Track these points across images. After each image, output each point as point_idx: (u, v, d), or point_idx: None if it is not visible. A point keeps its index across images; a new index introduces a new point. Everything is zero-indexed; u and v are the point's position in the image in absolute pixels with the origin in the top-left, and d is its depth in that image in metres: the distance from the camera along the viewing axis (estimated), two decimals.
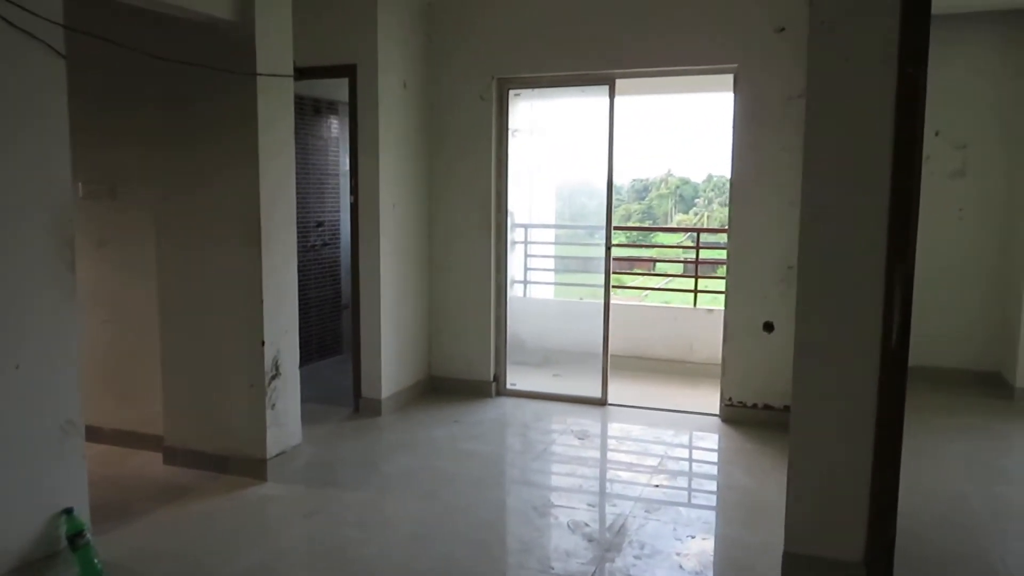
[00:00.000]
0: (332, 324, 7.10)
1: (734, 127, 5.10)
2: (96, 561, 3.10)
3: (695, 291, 6.88)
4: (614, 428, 5.18)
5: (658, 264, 16.44)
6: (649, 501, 3.88)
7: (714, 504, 3.94)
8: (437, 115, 5.73)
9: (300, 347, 4.32)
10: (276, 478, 4.13)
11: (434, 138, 5.75)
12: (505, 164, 5.71)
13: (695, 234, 8.25)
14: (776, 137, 4.96)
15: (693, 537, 3.49)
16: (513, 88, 5.64)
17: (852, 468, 2.97)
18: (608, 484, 4.14)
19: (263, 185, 3.99)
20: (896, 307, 2.85)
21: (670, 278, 14.46)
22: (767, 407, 5.13)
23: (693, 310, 6.76)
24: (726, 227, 5.40)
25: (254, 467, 4.13)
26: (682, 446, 4.82)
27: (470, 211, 5.73)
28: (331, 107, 6.84)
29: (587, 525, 3.61)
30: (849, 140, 2.91)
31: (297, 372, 4.33)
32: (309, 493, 4.03)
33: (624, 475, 4.27)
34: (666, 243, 16.98)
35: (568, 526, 3.59)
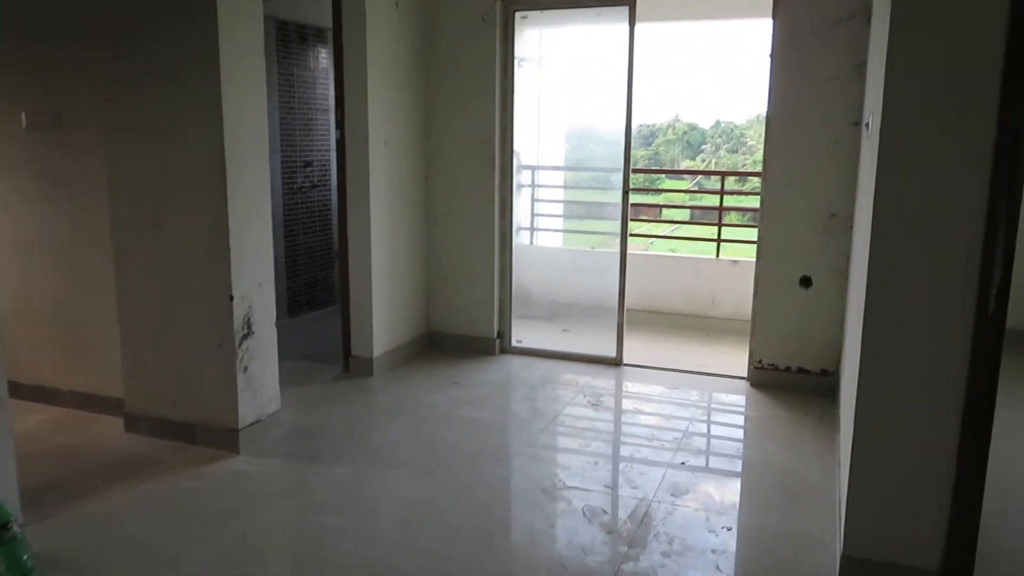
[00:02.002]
0: (323, 273, 6.55)
1: (772, 55, 4.46)
2: (26, 557, 2.62)
3: (718, 240, 6.30)
4: (631, 393, 4.67)
5: (669, 211, 15.74)
6: (675, 483, 3.38)
7: (750, 486, 3.44)
8: (434, 39, 5.08)
9: (288, 299, 3.80)
10: (250, 451, 3.64)
11: (431, 66, 5.12)
12: (511, 97, 5.08)
13: (707, 179, 7.63)
14: (822, 65, 4.32)
15: (729, 529, 2.99)
16: (520, 9, 4.98)
17: (931, 460, 2.45)
18: (627, 462, 3.64)
19: (227, 114, 3.41)
20: (997, 260, 2.28)
21: (676, 225, 13.80)
22: (802, 371, 4.61)
23: (716, 261, 6.19)
24: (758, 171, 4.80)
25: (225, 438, 3.64)
26: (708, 414, 4.32)
27: (472, 150, 5.13)
28: (319, 35, 6.18)
29: (605, 512, 3.11)
30: (945, 54, 2.30)
31: (274, 331, 3.80)
32: (286, 469, 3.54)
33: (645, 450, 3.76)
34: (675, 188, 16.28)
35: (583, 513, 3.10)
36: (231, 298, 3.51)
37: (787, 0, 4.34)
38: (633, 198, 5.22)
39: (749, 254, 6.83)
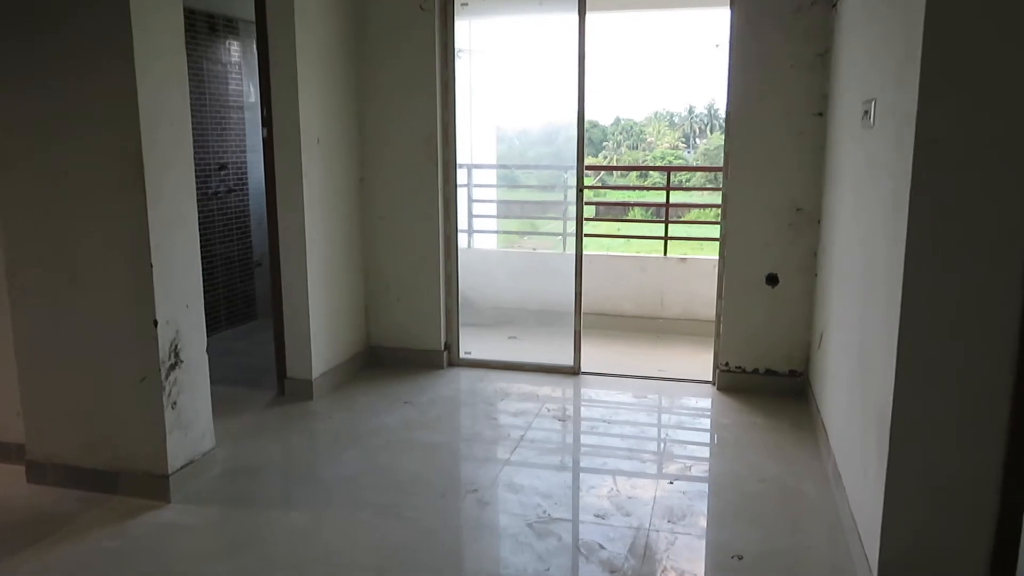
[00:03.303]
0: (243, 286, 6.01)
1: (732, 44, 4.25)
2: None
3: (665, 238, 6.09)
4: (596, 404, 4.38)
5: (616, 210, 15.52)
6: (668, 507, 3.09)
7: (748, 504, 3.18)
8: (366, 28, 4.65)
9: (206, 316, 3.31)
10: (182, 498, 3.14)
11: (363, 57, 4.68)
12: (452, 91, 4.70)
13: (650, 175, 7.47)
14: (783, 54, 4.13)
15: (741, 558, 2.72)
16: None
17: (975, 472, 2.24)
18: (610, 484, 3.33)
19: (144, 109, 2.91)
20: None
21: (620, 224, 13.66)
22: (770, 372, 4.42)
23: (663, 259, 5.98)
24: (716, 166, 4.59)
25: (152, 485, 3.13)
26: (682, 425, 4.07)
27: (411, 148, 4.72)
28: (230, 25, 5.64)
29: (602, 547, 2.79)
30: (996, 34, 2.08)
31: (205, 358, 3.31)
32: (228, 518, 3.06)
33: (627, 468, 3.47)
34: (627, 186, 16.14)
35: (580, 551, 2.77)
36: (155, 323, 3.01)
37: None
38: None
39: (698, 251, 6.71)
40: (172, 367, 3.10)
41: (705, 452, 3.73)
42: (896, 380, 2.28)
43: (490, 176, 6.59)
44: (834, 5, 3.93)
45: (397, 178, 4.77)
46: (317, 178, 4.29)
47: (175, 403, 3.12)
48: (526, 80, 5.36)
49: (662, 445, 3.73)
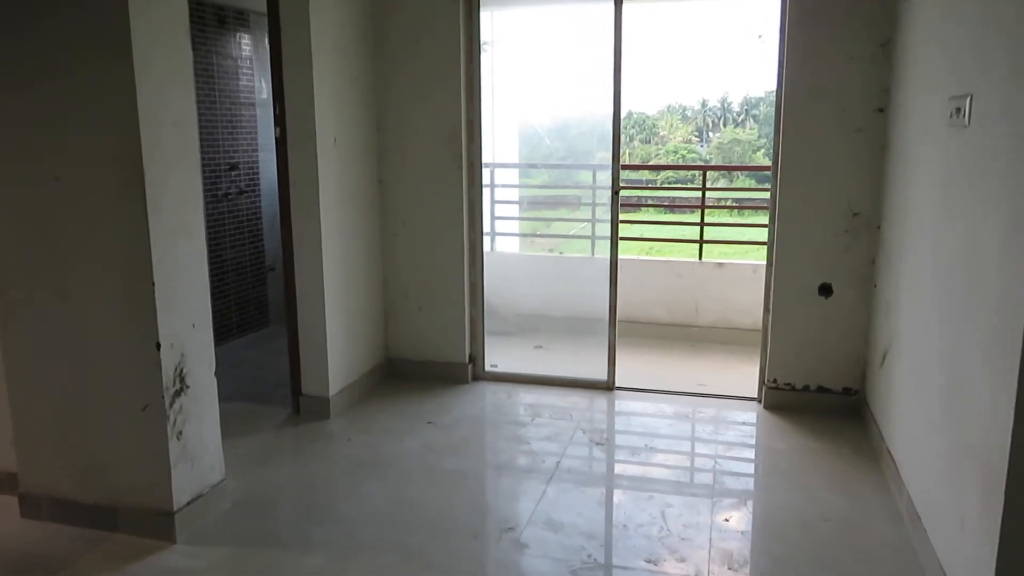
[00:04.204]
0: (255, 291, 5.72)
1: (783, 33, 3.91)
2: None
3: (700, 241, 5.75)
4: (634, 425, 4.06)
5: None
6: (726, 550, 2.77)
7: (815, 547, 2.84)
8: (386, 20, 4.33)
9: (216, 324, 3.05)
10: (188, 537, 2.85)
11: (382, 52, 4.36)
12: (477, 86, 4.38)
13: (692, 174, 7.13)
14: (841, 44, 3.79)
15: None
16: None
17: None
18: (663, 520, 3.01)
19: (144, 109, 2.60)
20: None
21: (646, 226, 13.20)
22: (822, 390, 4.09)
23: (699, 264, 5.65)
24: (760, 164, 4.25)
25: (156, 523, 2.83)
26: (731, 450, 3.74)
27: (433, 147, 4.40)
28: (240, 17, 5.34)
29: None
30: None
31: (213, 382, 3.01)
32: (237, 561, 2.76)
33: (676, 502, 3.15)
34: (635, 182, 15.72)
35: None
36: (158, 346, 2.71)
37: None
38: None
39: (736, 255, 6.39)
40: (177, 394, 2.80)
41: (760, 483, 3.39)
42: (1015, 423, 1.94)
43: (513, 175, 6.27)
44: None
45: (418, 180, 4.45)
46: (333, 180, 3.98)
47: (180, 433, 2.82)
48: (550, 74, 5.03)
49: (712, 474, 3.41)
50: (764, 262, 4.19)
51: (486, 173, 5.71)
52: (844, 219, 3.93)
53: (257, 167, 5.63)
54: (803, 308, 4.05)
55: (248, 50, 5.45)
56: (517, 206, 6.53)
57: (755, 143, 29.36)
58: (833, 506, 3.10)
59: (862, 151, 3.85)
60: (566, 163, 6.01)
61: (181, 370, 2.82)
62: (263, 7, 3.81)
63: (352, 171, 4.18)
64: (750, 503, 3.17)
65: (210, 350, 2.99)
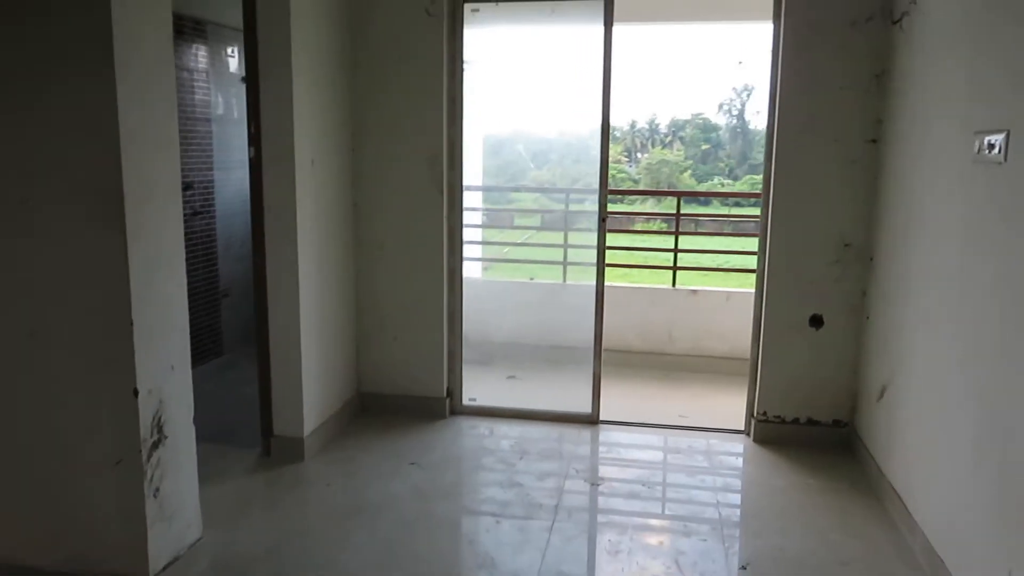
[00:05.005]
0: (209, 319, 5.36)
1: (776, 61, 3.86)
2: None
3: (674, 268, 5.68)
4: (628, 463, 3.91)
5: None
6: None
7: None
8: (364, 34, 4.11)
9: None
10: None
11: (360, 67, 4.14)
12: (460, 106, 4.20)
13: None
14: (835, 73, 3.76)
15: None
16: (470, 1, 4.12)
17: None
18: (678, 570, 2.85)
19: (125, 125, 2.33)
20: None
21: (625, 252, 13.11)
22: (811, 422, 4.03)
23: (672, 291, 5.57)
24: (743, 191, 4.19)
25: None
26: (730, 487, 3.63)
27: (412, 169, 4.19)
28: (197, 28, 5.02)
29: None
30: None
31: (191, 429, 2.73)
32: None
33: (687, 548, 3.00)
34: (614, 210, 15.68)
35: None
36: (135, 392, 2.42)
37: None
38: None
39: (709, 283, 6.34)
40: (155, 445, 2.51)
41: (768, 524, 3.27)
42: None
43: (480, 198, 6.09)
44: (895, 22, 3.56)
45: (396, 203, 4.23)
46: (311, 203, 3.73)
47: (158, 490, 2.53)
48: (531, 95, 4.90)
49: (718, 516, 3.28)
50: (739, 289, 4.13)
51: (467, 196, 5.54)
52: (835, 250, 3.89)
53: (212, 187, 5.29)
54: (794, 339, 3.99)
55: (204, 63, 5.13)
56: (480, 230, 6.35)
57: (682, 164, 30.07)
58: (846, 549, 3.01)
59: (854, 182, 3.82)
60: (548, 187, 5.88)
61: (159, 418, 2.53)
62: (222, 18, 3.55)
63: (328, 193, 3.93)
64: (763, 547, 3.05)
65: (189, 394, 2.71)
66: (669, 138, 31.57)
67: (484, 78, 4.62)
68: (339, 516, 3.21)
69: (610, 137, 4.09)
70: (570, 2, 4.18)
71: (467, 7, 4.11)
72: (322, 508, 3.30)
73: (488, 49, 4.60)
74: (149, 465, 2.49)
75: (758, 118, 32.69)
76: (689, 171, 30.03)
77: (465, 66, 4.22)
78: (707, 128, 32.07)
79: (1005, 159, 2.36)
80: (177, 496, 2.64)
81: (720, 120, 32.71)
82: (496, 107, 4.90)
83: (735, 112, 32.70)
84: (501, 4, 4.18)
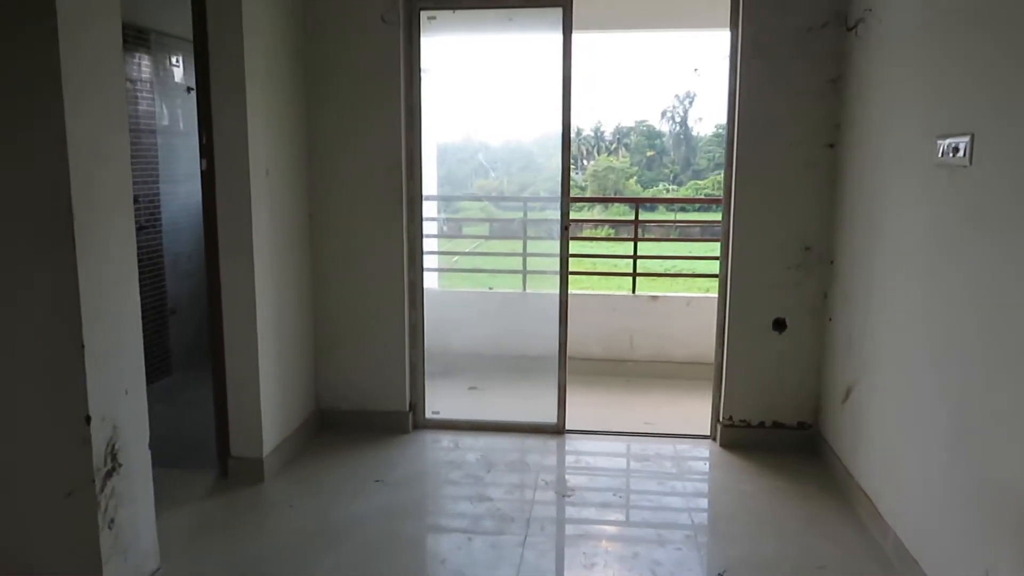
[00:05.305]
0: (156, 337, 5.16)
1: (734, 68, 3.89)
2: None
3: (633, 274, 5.68)
4: (597, 472, 3.87)
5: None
6: None
7: None
8: (319, 41, 4.01)
9: None
10: None
11: (314, 75, 4.04)
12: (418, 114, 4.13)
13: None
14: (791, 79, 3.79)
15: None
16: (427, 8, 4.05)
17: None
18: None
19: (73, 135, 2.20)
20: None
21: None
22: (776, 425, 4.05)
23: (632, 297, 5.56)
24: (704, 197, 4.21)
25: None
26: (701, 493, 3.62)
27: (370, 179, 4.10)
28: (140, 37, 4.85)
29: None
30: None
31: (148, 455, 2.60)
32: None
33: (664, 558, 2.96)
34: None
35: None
36: (87, 419, 2.28)
37: (752, 6, 3.78)
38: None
39: (670, 288, 6.36)
40: (109, 474, 2.37)
41: (741, 530, 3.25)
42: None
43: (429, 207, 6.01)
44: (850, 28, 3.61)
45: (353, 214, 4.13)
46: (266, 215, 3.61)
47: (113, 521, 2.39)
48: (486, 103, 4.85)
49: (691, 524, 3.26)
50: (699, 294, 4.14)
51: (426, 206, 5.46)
52: (797, 253, 3.92)
53: (158, 200, 5.11)
54: (758, 343, 4.00)
55: (148, 72, 4.96)
56: (436, 240, 6.27)
57: (628, 171, 30.45)
58: (821, 552, 3.01)
59: (813, 186, 3.86)
60: (509, 196, 5.83)
61: (113, 446, 2.39)
62: (166, 26, 3.42)
63: (284, 205, 3.81)
64: (738, 554, 3.03)
65: (144, 419, 2.57)
66: (614, 145, 31.96)
67: (442, 86, 4.55)
68: (304, 539, 3.09)
69: (551, 142, 4.06)
70: (528, 9, 4.14)
71: (424, 14, 4.05)
72: (285, 531, 3.17)
73: (446, 57, 4.53)
74: (103, 495, 2.35)
75: (700, 124, 33.29)
76: (635, 178, 30.42)
77: (423, 74, 4.15)
78: (651, 135, 32.55)
79: (970, 162, 2.39)
80: (133, 526, 2.50)
81: (664, 127, 33.22)
82: (454, 115, 4.83)
83: (678, 119, 33.27)
84: (459, 12, 4.12)
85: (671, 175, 31.72)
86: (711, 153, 30.01)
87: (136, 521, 2.52)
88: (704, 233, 12.08)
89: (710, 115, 32.50)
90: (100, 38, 2.32)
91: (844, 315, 3.66)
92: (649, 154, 32.08)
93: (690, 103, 33.15)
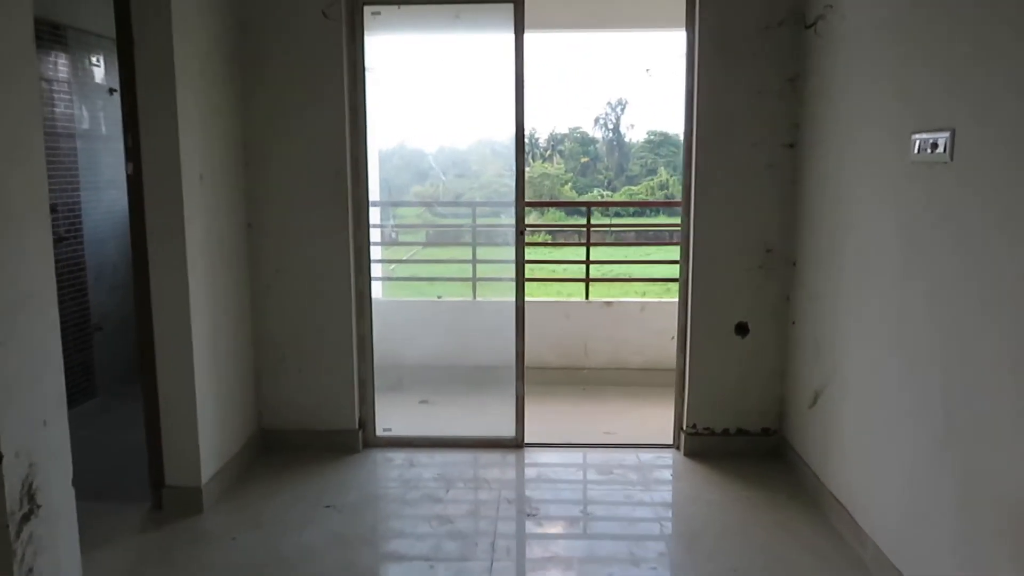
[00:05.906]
0: (79, 356, 4.79)
1: (692, 67, 3.78)
2: None
3: (587, 280, 5.55)
4: (560, 487, 3.69)
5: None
6: None
7: None
8: (253, 38, 3.76)
9: None
10: None
11: (249, 75, 3.78)
12: (363, 116, 3.91)
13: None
14: (749, 78, 3.71)
15: None
16: (371, 3, 3.83)
17: None
18: None
19: None
20: None
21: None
22: (741, 432, 3.95)
23: (586, 304, 5.43)
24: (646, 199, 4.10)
25: None
26: (669, 505, 3.49)
27: (312, 185, 3.86)
28: (56, 34, 4.50)
29: None
30: None
31: (71, 493, 2.31)
32: None
33: None
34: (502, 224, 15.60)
35: None
36: None
37: (709, 4, 3.68)
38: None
39: (621, 293, 6.24)
40: (26, 517, 2.09)
41: (715, 545, 3.11)
42: None
43: (382, 212, 5.78)
44: (809, 26, 3.54)
45: (295, 222, 3.88)
46: (200, 224, 3.33)
47: (31, 571, 2.11)
48: (432, 104, 4.66)
49: (662, 539, 3.12)
50: (654, 299, 4.03)
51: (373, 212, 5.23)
52: (758, 255, 3.83)
53: (79, 209, 4.74)
54: (720, 349, 3.90)
55: (66, 72, 4.60)
56: (380, 248, 6.03)
57: (563, 177, 30.56)
58: (796, 563, 2.91)
59: (773, 187, 3.78)
60: (461, 201, 5.63)
61: (30, 485, 2.11)
62: (84, 23, 3.13)
63: (219, 213, 3.54)
64: (715, 571, 2.89)
65: (66, 452, 2.29)
66: (549, 152, 32.04)
67: (387, 87, 4.34)
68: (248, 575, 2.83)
69: (513, 149, 3.90)
70: (477, 5, 3.97)
71: (367, 10, 3.83)
72: (228, 567, 2.90)
73: (391, 56, 4.33)
74: (19, 542, 2.06)
75: (632, 131, 33.66)
76: (569, 184, 30.53)
77: (367, 74, 3.93)
78: (585, 141, 32.74)
79: (951, 158, 2.30)
80: (55, 574, 2.21)
81: (597, 134, 33.44)
82: (399, 118, 4.62)
83: (611, 126, 33.54)
84: (404, 8, 3.91)
85: (605, 181, 31.92)
86: (644, 159, 30.31)
87: (59, 567, 2.24)
88: (656, 237, 12.14)
89: (642, 122, 32.89)
90: (8, 29, 2.05)
91: (809, 318, 3.58)
92: (583, 160, 32.24)
93: (622, 110, 33.45)
